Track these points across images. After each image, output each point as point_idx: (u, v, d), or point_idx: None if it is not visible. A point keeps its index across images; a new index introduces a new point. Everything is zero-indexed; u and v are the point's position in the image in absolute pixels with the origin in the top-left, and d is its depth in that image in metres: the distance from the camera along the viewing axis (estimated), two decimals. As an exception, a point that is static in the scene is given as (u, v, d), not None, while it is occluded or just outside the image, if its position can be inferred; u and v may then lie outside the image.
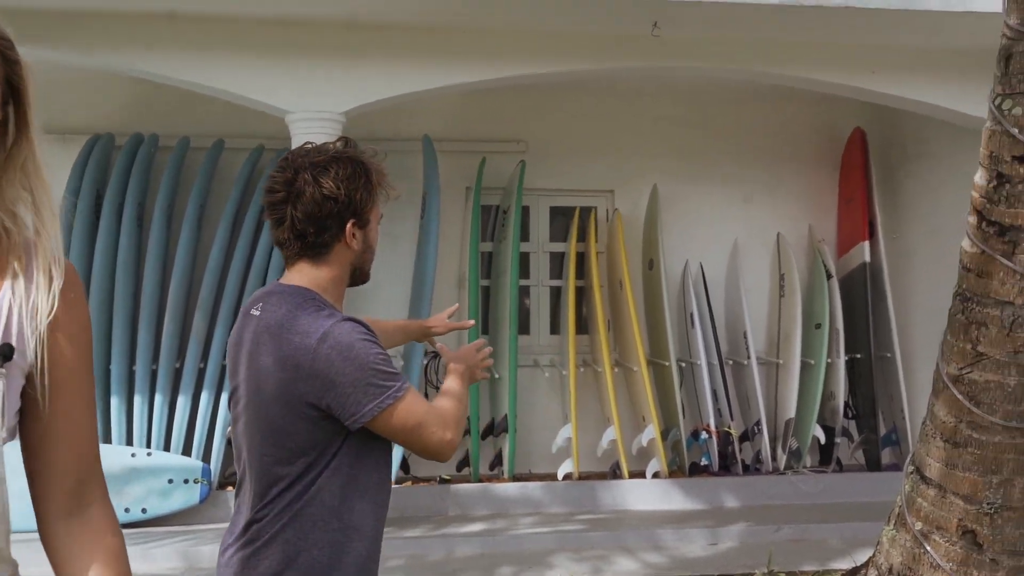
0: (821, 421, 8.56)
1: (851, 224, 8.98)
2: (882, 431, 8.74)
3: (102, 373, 7.52)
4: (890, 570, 4.75)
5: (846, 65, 7.45)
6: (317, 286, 2.31)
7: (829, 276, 8.67)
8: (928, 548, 4.55)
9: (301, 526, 2.17)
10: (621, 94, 8.85)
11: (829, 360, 8.57)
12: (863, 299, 8.74)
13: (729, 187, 9.16)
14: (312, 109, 6.85)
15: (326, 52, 6.87)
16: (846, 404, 8.78)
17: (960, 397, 4.44)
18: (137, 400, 7.55)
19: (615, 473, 8.33)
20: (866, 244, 8.70)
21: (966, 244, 4.48)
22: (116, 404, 7.54)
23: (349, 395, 2.14)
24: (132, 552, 6.85)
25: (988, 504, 4.42)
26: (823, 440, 8.55)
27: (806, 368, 8.60)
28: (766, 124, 9.22)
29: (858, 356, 8.77)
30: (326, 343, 2.15)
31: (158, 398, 7.56)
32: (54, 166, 7.87)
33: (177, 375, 7.70)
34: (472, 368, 2.59)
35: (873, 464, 8.69)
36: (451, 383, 2.47)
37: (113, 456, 7.24)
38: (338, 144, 2.38)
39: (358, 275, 2.40)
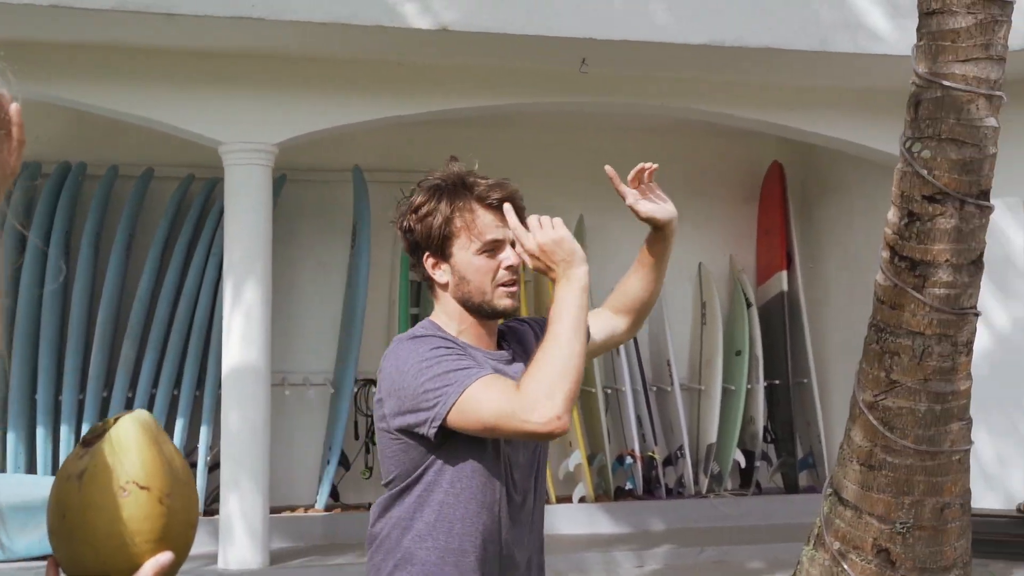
0: (741, 445, 8.81)
1: (769, 254, 9.29)
2: (799, 455, 9.03)
3: (28, 403, 7.45)
4: (811, 589, 4.95)
5: (765, 102, 7.76)
6: (438, 319, 2.20)
7: (749, 304, 8.96)
8: (845, 566, 4.76)
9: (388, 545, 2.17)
10: (548, 126, 9.06)
11: (749, 386, 8.84)
12: (781, 327, 9.04)
13: (652, 218, 9.40)
14: (245, 140, 6.92)
15: (259, 84, 6.95)
16: (765, 429, 9.05)
17: (875, 422, 4.67)
18: (63, 430, 7.49)
19: (542, 498, 8.46)
20: (784, 273, 9.02)
21: (880, 278, 4.73)
22: (42, 434, 7.46)
23: (412, 410, 2.04)
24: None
25: (900, 524, 4.65)
26: (743, 464, 8.81)
27: (727, 394, 8.85)
28: (688, 157, 9.49)
29: (776, 382, 9.06)
30: (387, 362, 2.11)
31: (85, 427, 7.51)
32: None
33: (105, 404, 7.65)
34: (580, 258, 2.07)
35: (791, 487, 8.97)
36: (556, 305, 2.02)
37: (41, 487, 7.16)
38: (451, 166, 2.23)
39: (478, 309, 2.15)
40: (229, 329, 6.97)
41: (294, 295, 8.65)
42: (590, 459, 8.55)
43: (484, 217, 2.15)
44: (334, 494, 8.28)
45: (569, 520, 8.29)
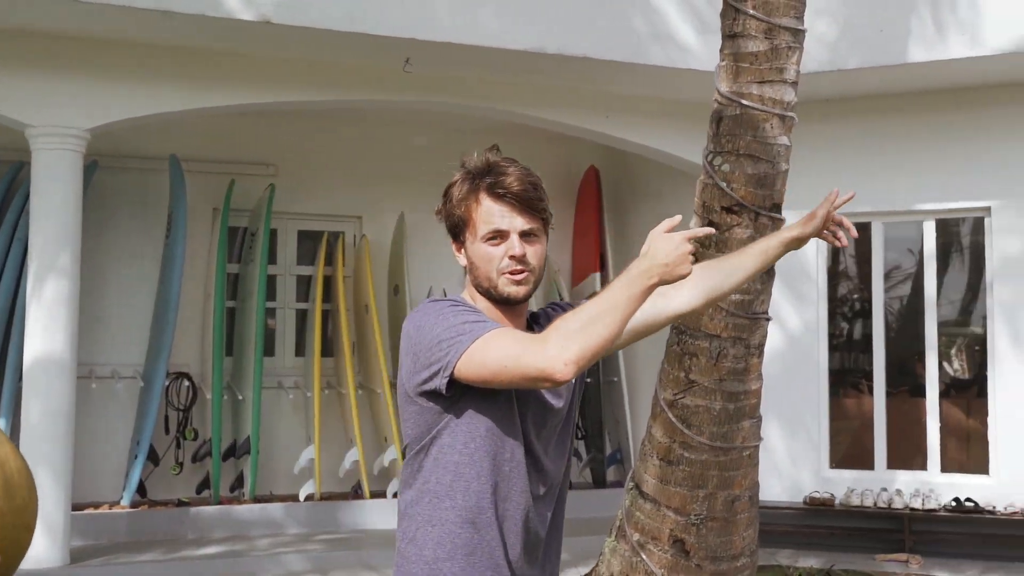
0: (554, 441, 9.05)
1: (584, 256, 9.59)
2: (608, 450, 9.35)
3: None
4: (610, 578, 5.18)
5: (583, 109, 8.02)
6: (469, 296, 2.25)
7: (563, 305, 9.21)
8: (643, 556, 5.01)
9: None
10: (372, 123, 9.09)
11: (562, 384, 9.09)
12: (594, 327, 9.33)
13: (473, 217, 9.57)
14: (55, 124, 6.68)
15: (74, 67, 6.72)
16: (576, 426, 9.31)
17: (674, 420, 4.93)
18: None
19: (357, 493, 8.50)
20: (597, 276, 9.32)
21: (682, 283, 4.98)
22: None
23: (426, 365, 2.09)
24: None
25: (695, 516, 4.93)
26: (555, 459, 9.05)
27: (541, 391, 9.07)
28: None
29: (588, 380, 9.34)
30: (408, 323, 2.16)
31: None
32: None
33: None
34: (661, 261, 2.00)
35: (599, 481, 9.29)
36: (618, 278, 2.04)
37: None
38: (486, 154, 2.27)
39: (487, 294, 2.20)
40: (32, 318, 6.72)
41: (104, 285, 8.38)
42: (404, 454, 8.62)
43: (490, 207, 2.17)
44: (141, 490, 8.08)
45: (383, 515, 8.34)
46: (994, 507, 7.42)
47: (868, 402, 8.33)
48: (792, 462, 8.22)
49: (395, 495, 8.37)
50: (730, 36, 4.75)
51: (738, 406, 4.93)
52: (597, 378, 9.35)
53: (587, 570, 5.73)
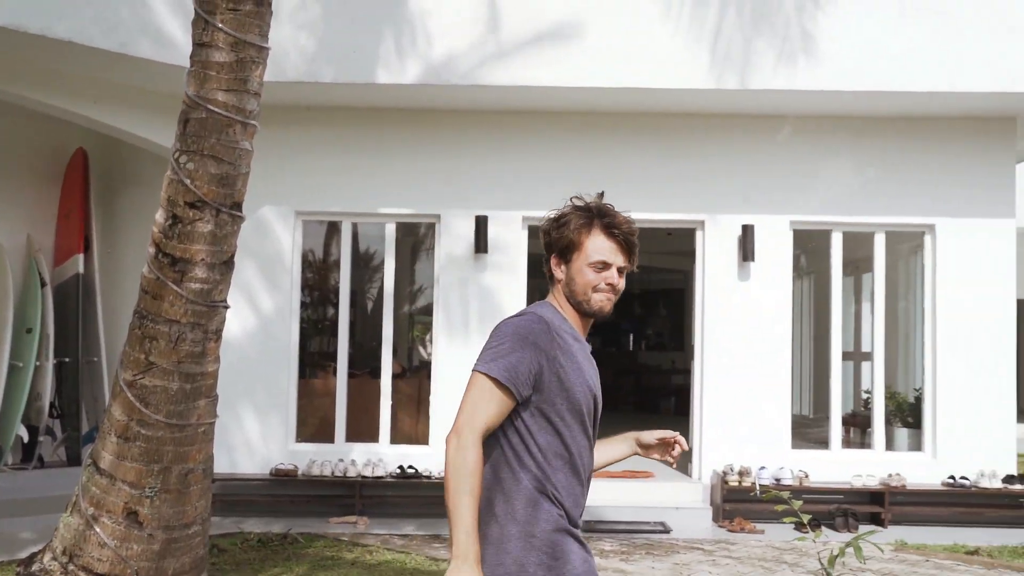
0: (26, 420, 8.91)
1: (68, 237, 9.49)
2: (85, 429, 9.36)
3: None
4: (64, 551, 5.38)
5: (70, 91, 7.99)
6: (553, 301, 2.81)
7: (43, 284, 9.08)
8: (97, 529, 5.28)
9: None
10: None
11: (38, 363, 8.96)
12: (75, 307, 9.30)
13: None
14: None
15: None
16: (52, 404, 9.23)
17: (132, 399, 5.26)
18: None
19: None
20: (81, 256, 9.29)
21: (145, 270, 5.35)
22: None
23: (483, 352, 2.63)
24: None
25: (150, 489, 5.29)
26: (27, 439, 8.91)
27: (14, 370, 8.89)
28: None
29: (67, 360, 9.29)
30: (506, 323, 2.68)
31: None
32: None
33: None
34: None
35: (74, 460, 9.27)
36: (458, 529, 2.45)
37: None
38: (598, 197, 2.82)
39: (578, 305, 2.76)
40: None
41: None
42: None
43: (602, 242, 2.73)
44: None
45: None
46: (430, 473, 8.54)
47: (334, 382, 9.13)
48: (263, 438, 8.81)
49: None
50: (200, 44, 5.15)
51: (195, 386, 5.36)
52: (76, 357, 9.32)
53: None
